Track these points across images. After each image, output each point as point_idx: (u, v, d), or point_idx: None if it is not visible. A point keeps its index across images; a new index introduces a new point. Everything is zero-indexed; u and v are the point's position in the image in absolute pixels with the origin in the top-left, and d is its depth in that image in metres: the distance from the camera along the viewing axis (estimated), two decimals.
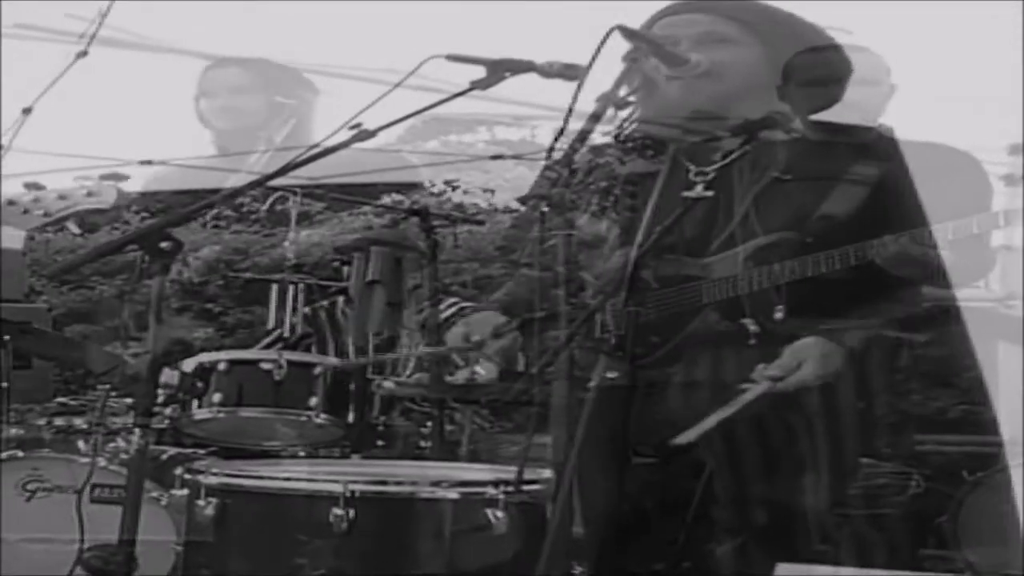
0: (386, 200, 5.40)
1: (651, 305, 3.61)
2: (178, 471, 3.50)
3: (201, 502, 3.36)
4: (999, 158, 5.04)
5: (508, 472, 3.44)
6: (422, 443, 4.91)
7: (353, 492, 3.26)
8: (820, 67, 3.72)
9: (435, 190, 6.25)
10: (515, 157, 5.22)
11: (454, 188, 6.36)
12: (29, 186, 3.66)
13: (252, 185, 3.70)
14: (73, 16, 4.17)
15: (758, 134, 3.65)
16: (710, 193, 3.65)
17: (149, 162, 4.79)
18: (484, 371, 5.07)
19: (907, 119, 5.01)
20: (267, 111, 5.92)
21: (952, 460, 5.52)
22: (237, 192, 3.90)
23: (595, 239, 3.67)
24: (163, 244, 3.30)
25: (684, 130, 3.68)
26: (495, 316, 3.90)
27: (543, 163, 3.11)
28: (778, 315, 3.52)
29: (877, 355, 3.60)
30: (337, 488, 3.26)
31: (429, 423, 4.87)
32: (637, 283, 3.55)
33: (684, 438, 3.44)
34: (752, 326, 3.54)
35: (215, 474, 3.41)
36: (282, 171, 3.45)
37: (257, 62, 5.98)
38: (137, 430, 3.33)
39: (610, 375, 3.51)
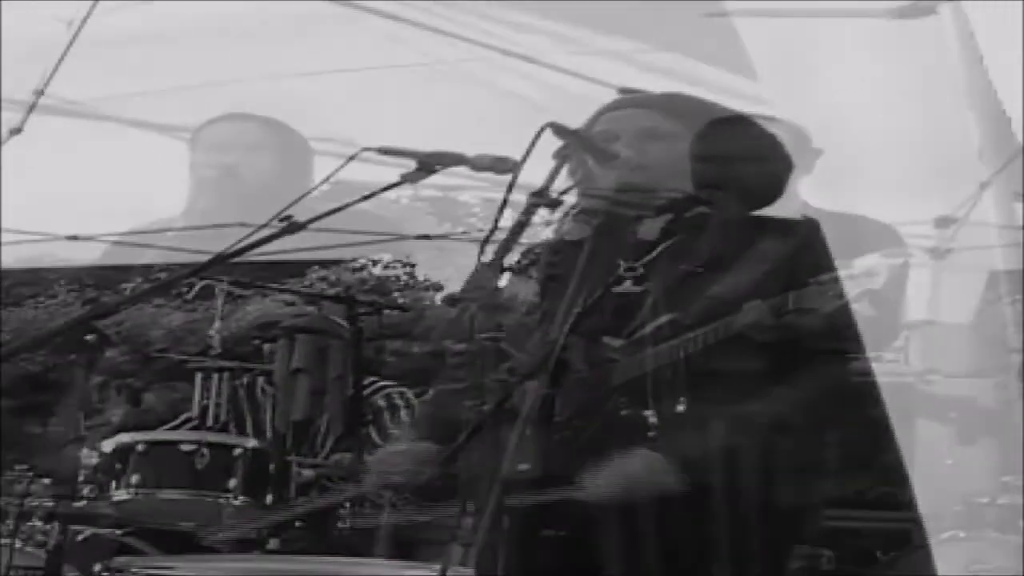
0: (311, 276, 5.39)
1: (567, 387, 3.61)
2: (97, 568, 3.47)
3: None
4: (926, 231, 5.09)
5: (430, 570, 3.44)
6: (340, 524, 4.89)
7: None
8: (757, 171, 3.77)
9: (356, 264, 6.25)
10: (440, 237, 5.24)
11: (374, 263, 6.37)
12: None
13: (185, 275, 3.68)
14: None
15: (683, 213, 3.69)
16: (638, 289, 3.68)
17: (75, 238, 4.76)
18: None
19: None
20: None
21: (865, 539, 5.52)
22: (169, 283, 3.86)
23: (518, 303, 3.69)
24: (88, 337, 3.30)
25: (613, 203, 3.70)
26: (420, 449, 3.89)
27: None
28: (680, 407, 3.54)
29: (784, 441, 3.60)
30: None
31: (348, 504, 4.86)
32: (557, 365, 3.55)
33: None
34: (652, 418, 3.55)
35: (135, 574, 3.38)
36: (212, 262, 3.44)
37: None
38: (56, 524, 3.34)
39: (522, 467, 3.53)
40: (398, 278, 6.45)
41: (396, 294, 6.32)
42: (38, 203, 5.20)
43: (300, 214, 3.31)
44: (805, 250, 3.63)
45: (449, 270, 6.40)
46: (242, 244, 3.38)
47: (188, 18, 5.23)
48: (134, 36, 5.19)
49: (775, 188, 3.81)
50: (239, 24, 5.31)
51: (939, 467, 5.21)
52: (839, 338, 3.51)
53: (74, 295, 6.14)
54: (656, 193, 3.70)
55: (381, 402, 5.25)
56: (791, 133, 4.75)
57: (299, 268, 5.85)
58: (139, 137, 5.65)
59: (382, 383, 5.31)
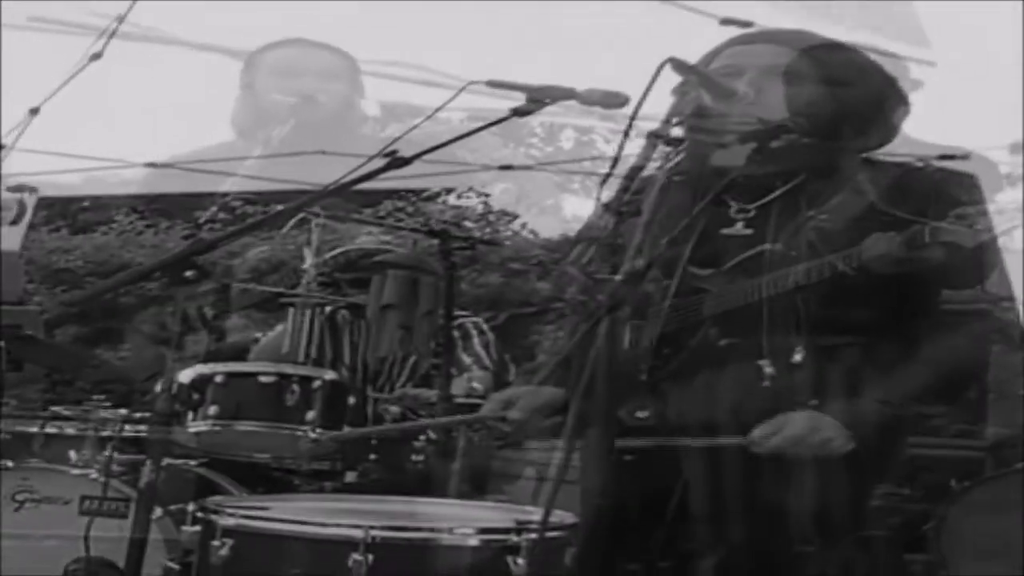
0: (387, 206, 5.31)
1: (652, 317, 3.50)
2: (191, 507, 3.39)
3: (216, 543, 3.24)
4: (1001, 157, 4.98)
5: (529, 514, 3.35)
6: (414, 457, 4.82)
7: (374, 538, 3.16)
8: (876, 109, 3.60)
9: (431, 192, 6.18)
10: (524, 168, 5.15)
11: (448, 191, 6.29)
12: None
13: (291, 209, 3.60)
14: (94, 13, 4.06)
15: (768, 143, 3.53)
16: (750, 232, 3.54)
17: (152, 165, 4.68)
18: (481, 385, 5.01)
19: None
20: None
21: (940, 469, 5.44)
22: (272, 217, 3.77)
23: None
24: (188, 273, 3.21)
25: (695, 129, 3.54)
26: (550, 395, 3.72)
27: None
28: (797, 357, 3.41)
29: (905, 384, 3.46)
30: (358, 533, 3.16)
31: (423, 437, 4.79)
32: (642, 295, 3.44)
33: None
34: (768, 368, 3.44)
35: (231, 514, 3.30)
36: (315, 198, 3.35)
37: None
38: (149, 462, 3.30)
39: (640, 414, 3.44)
40: (474, 208, 6.38)
41: (470, 224, 6.24)
42: (110, 129, 5.11)
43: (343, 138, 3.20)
44: (924, 211, 3.45)
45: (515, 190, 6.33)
46: (348, 178, 3.30)
47: None
48: None
49: (881, 122, 3.64)
50: None
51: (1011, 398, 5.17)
52: (982, 275, 3.38)
53: (143, 223, 6.07)
54: (735, 120, 3.53)
55: (455, 332, 5.17)
56: (887, 63, 4.61)
57: (375, 198, 5.78)
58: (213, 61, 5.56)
59: (462, 315, 5.23)
